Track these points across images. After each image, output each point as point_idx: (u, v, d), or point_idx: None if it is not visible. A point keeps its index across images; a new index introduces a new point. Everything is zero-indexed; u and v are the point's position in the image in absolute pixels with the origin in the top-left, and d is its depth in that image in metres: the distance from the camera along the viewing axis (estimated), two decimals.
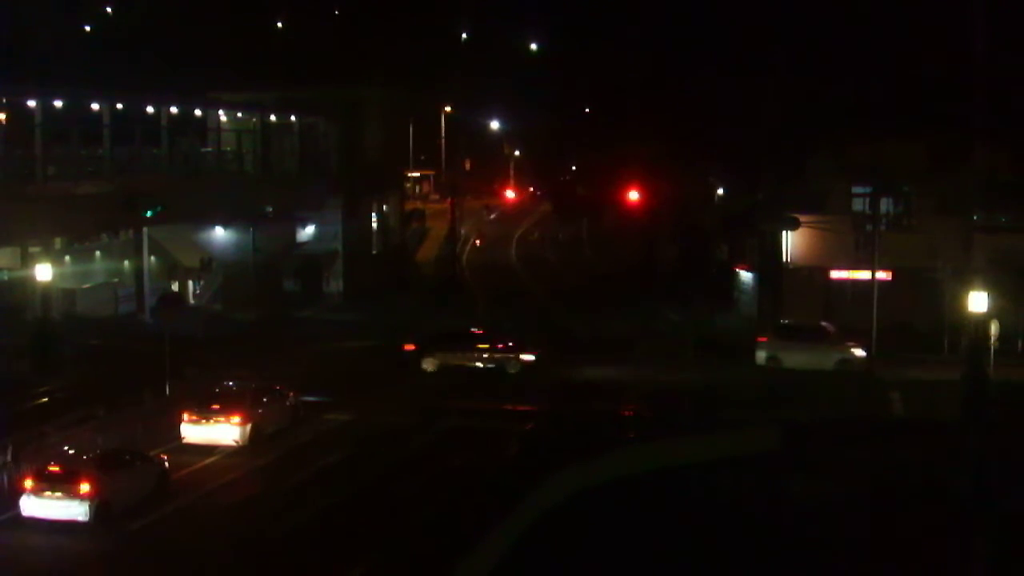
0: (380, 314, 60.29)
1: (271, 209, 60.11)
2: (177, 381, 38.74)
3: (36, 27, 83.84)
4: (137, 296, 55.08)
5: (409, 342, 46.59)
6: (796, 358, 46.23)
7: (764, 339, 47.51)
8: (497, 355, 45.37)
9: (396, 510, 28.63)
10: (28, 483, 27.68)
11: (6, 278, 52.40)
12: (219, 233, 57.48)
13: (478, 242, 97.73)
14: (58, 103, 46.20)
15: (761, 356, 46.88)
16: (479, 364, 45.27)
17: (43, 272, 43.77)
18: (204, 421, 34.17)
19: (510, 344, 45.95)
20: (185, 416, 34.28)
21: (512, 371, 44.98)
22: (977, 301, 39.71)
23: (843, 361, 46.00)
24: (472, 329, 48.26)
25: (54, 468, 27.89)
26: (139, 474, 29.35)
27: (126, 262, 58.98)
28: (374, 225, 72.20)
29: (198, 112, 56.98)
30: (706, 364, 46.83)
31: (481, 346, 45.84)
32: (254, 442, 34.28)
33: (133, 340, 48.10)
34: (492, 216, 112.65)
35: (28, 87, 46.29)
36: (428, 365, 45.44)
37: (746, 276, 61.85)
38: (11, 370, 41.97)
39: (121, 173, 47.35)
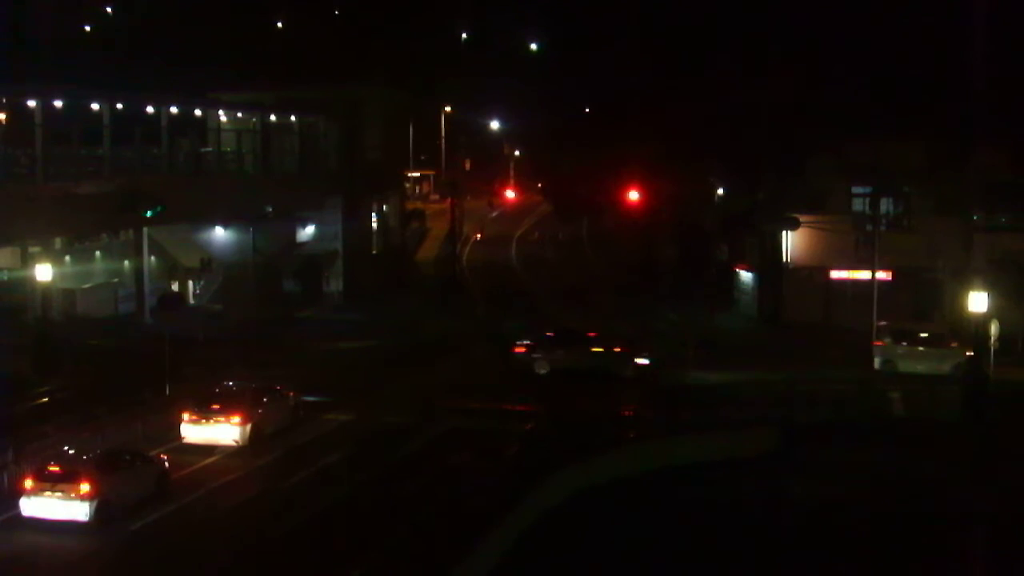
0: (380, 314, 60.29)
1: (271, 209, 60.08)
2: (177, 381, 38.72)
3: (36, 27, 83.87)
4: (137, 296, 55.03)
5: (519, 344, 45.78)
6: (913, 363, 44.94)
7: (880, 343, 46.03)
8: (611, 358, 44.44)
9: (396, 510, 28.63)
10: (28, 483, 27.67)
11: (6, 278, 52.40)
12: (219, 233, 57.45)
13: (479, 235, 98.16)
14: (58, 103, 46.20)
15: (877, 361, 45.59)
16: (592, 367, 44.24)
17: (43, 272, 43.77)
18: (204, 421, 34.16)
19: (625, 347, 45.12)
20: (185, 416, 34.27)
21: (626, 374, 44.02)
22: (977, 301, 39.69)
23: (960, 366, 43.67)
24: (580, 330, 47.66)
25: (54, 468, 27.87)
26: (139, 474, 29.34)
27: (126, 262, 58.93)
28: (374, 225, 72.16)
29: (198, 112, 56.96)
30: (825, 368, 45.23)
31: (595, 349, 44.98)
32: (254, 442, 34.26)
33: (133, 340, 48.10)
34: (495, 213, 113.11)
35: (28, 87, 46.28)
36: (541, 368, 44.71)
37: (746, 276, 61.86)
38: (11, 370, 41.93)
39: (121, 173, 47.34)
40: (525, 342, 45.88)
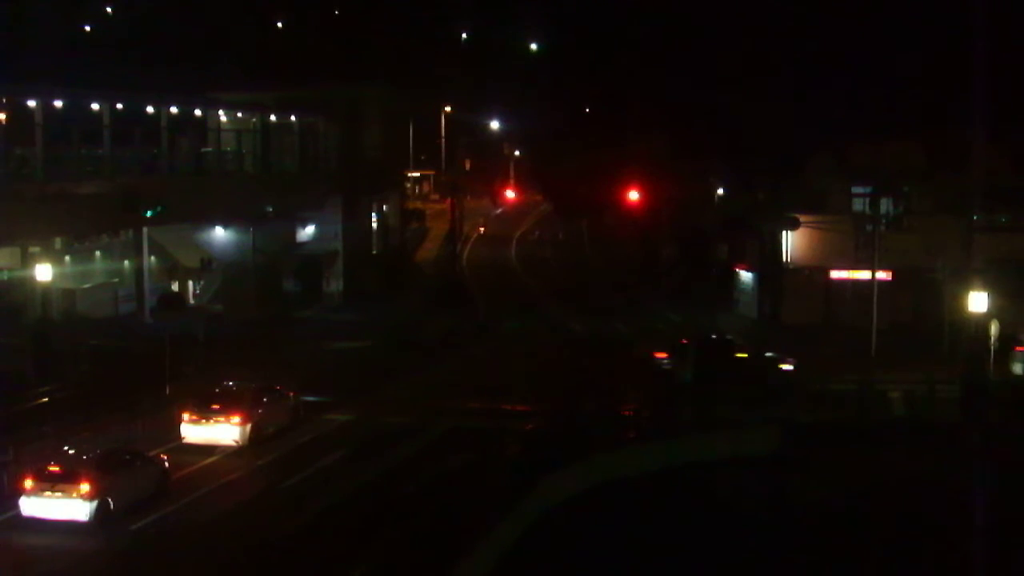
0: (380, 314, 60.29)
1: (271, 209, 60.11)
2: (177, 381, 38.71)
3: (36, 27, 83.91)
4: (137, 296, 55.05)
5: (660, 349, 44.95)
6: None
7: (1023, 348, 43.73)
8: (756, 364, 43.08)
9: (396, 510, 28.63)
10: (28, 483, 27.64)
11: (6, 278, 52.39)
12: (219, 233, 57.47)
13: (482, 229, 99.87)
14: (58, 103, 46.20)
15: (1020, 366, 43.55)
16: (737, 373, 42.58)
17: (43, 272, 43.75)
18: (204, 421, 34.15)
19: (768, 353, 43.99)
20: (185, 416, 34.27)
21: (772, 380, 42.42)
22: (977, 301, 39.63)
23: None
24: (725, 336, 47.00)
25: (54, 468, 27.86)
26: (139, 474, 29.34)
27: (126, 262, 58.94)
28: (374, 225, 72.20)
29: (198, 112, 56.98)
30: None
31: (739, 355, 43.81)
32: (254, 442, 34.26)
33: (133, 340, 48.09)
34: (498, 211, 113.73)
35: (28, 87, 46.28)
36: (684, 374, 43.38)
37: (746, 276, 61.87)
38: (11, 370, 41.93)
39: (121, 173, 47.34)
40: (666, 347, 44.90)
